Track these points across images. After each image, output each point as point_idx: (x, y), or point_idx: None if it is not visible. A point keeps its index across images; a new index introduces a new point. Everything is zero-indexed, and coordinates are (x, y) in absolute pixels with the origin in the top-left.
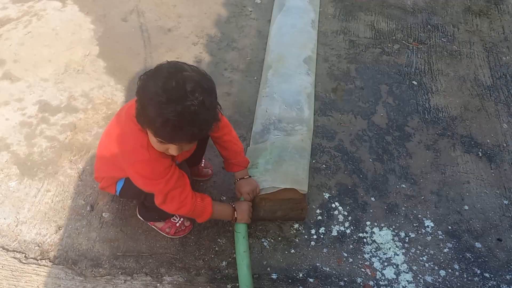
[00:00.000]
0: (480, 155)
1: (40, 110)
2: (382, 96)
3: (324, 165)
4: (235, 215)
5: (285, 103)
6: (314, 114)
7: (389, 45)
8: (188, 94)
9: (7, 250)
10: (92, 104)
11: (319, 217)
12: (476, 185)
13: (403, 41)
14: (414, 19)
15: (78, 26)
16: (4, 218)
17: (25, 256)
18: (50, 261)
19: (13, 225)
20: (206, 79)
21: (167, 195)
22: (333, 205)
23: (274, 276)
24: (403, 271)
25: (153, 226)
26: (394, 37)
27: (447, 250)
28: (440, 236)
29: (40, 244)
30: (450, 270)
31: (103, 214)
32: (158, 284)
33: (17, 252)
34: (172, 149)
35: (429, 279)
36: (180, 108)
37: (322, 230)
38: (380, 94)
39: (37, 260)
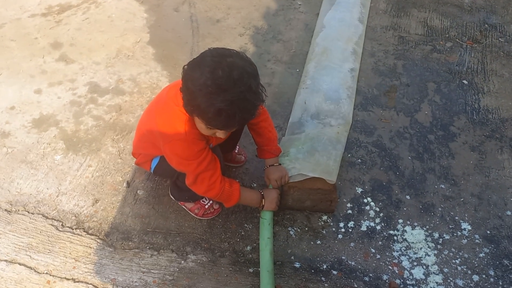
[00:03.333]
0: None
1: (89, 91)
2: (429, 94)
3: (359, 160)
4: (263, 202)
5: (325, 95)
6: (354, 109)
7: (441, 42)
8: (236, 82)
9: (46, 217)
10: (138, 87)
11: (349, 211)
12: None
13: (457, 40)
14: (471, 18)
15: (132, 15)
16: (47, 188)
17: (62, 225)
18: (84, 231)
19: (54, 195)
20: (249, 63)
21: (198, 176)
22: (365, 200)
23: (297, 264)
24: (433, 272)
25: (183, 206)
26: (447, 35)
27: (483, 255)
28: (476, 240)
29: (77, 215)
30: (484, 276)
31: (138, 192)
32: (182, 261)
33: (55, 220)
34: (220, 133)
35: (460, 282)
36: (230, 97)
37: (351, 224)
38: (426, 92)
39: (72, 229)
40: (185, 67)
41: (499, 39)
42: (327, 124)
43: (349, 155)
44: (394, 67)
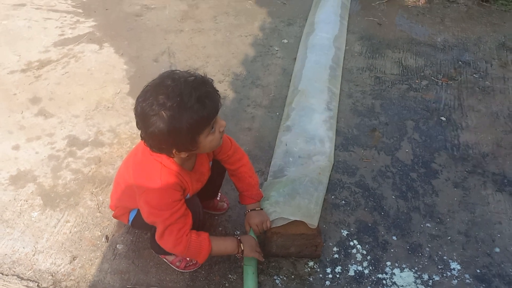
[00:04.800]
0: None
1: (68, 144)
2: (408, 132)
3: (343, 201)
4: (241, 247)
5: (305, 137)
6: (336, 150)
7: (417, 81)
8: (183, 81)
9: (22, 278)
10: (118, 138)
11: (336, 255)
12: (509, 226)
13: (432, 77)
14: (444, 56)
15: (111, 67)
16: (23, 247)
17: (38, 285)
18: None
19: (30, 254)
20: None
21: (167, 228)
22: (351, 243)
23: None
24: None
25: (164, 259)
26: (422, 74)
27: None
28: (467, 280)
29: (53, 274)
30: None
31: (117, 246)
32: None
33: (30, 281)
34: (215, 137)
35: None
36: (194, 94)
37: (338, 269)
38: (405, 130)
39: None
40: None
41: (473, 75)
42: (308, 164)
43: (332, 196)
44: (372, 107)
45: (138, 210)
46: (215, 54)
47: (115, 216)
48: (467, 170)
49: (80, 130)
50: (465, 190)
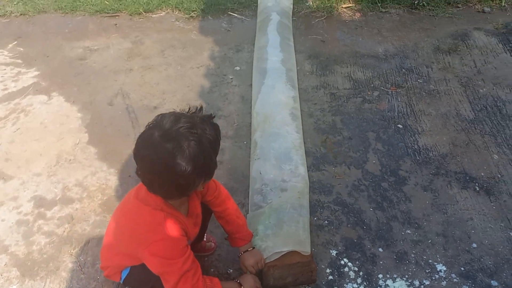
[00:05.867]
0: (478, 189)
1: (35, 206)
2: (371, 143)
3: (326, 221)
4: None
5: (278, 162)
6: (308, 171)
7: (369, 93)
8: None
9: None
10: (87, 192)
11: (330, 277)
12: (480, 220)
13: (382, 87)
14: (388, 65)
15: (65, 117)
16: None
17: None
18: None
19: None
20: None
21: (182, 276)
22: (342, 262)
23: None
24: None
25: None
26: (372, 85)
27: None
28: (454, 279)
29: None
30: None
31: None
32: None
33: None
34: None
35: None
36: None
37: None
38: (368, 142)
39: None
40: (139, 172)
41: (418, 80)
42: (286, 188)
43: (315, 218)
44: (333, 123)
45: (132, 267)
46: (170, 89)
47: (106, 276)
48: (431, 172)
49: (45, 188)
50: (434, 192)
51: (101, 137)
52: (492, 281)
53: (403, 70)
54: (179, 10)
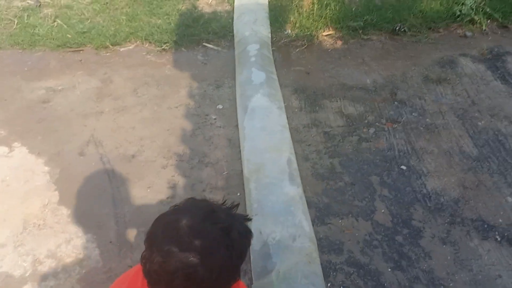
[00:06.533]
0: (499, 239)
1: (1, 285)
2: (376, 189)
3: (342, 287)
4: None
5: (278, 217)
6: (313, 225)
7: (365, 130)
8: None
9: None
10: (62, 264)
11: None
12: (509, 277)
13: (377, 123)
14: (379, 98)
15: (30, 172)
16: None
17: None
18: None
19: None
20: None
21: None
22: None
23: None
24: None
25: None
26: (366, 121)
27: None
28: None
29: None
30: None
31: None
32: None
33: None
34: None
35: None
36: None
37: None
38: (373, 188)
39: None
40: (147, 262)
41: (413, 114)
42: (292, 249)
43: (329, 284)
44: (332, 167)
45: None
46: (148, 134)
47: None
48: (446, 221)
49: (12, 263)
50: (453, 245)
51: (73, 195)
52: None
53: (396, 103)
54: (150, 42)
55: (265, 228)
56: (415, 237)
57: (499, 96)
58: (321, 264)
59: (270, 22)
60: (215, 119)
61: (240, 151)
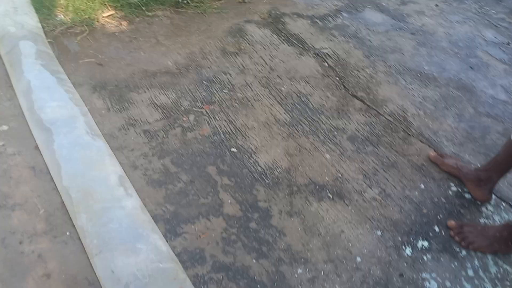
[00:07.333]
0: (331, 196)
1: None
2: (216, 180)
3: None
4: None
5: (128, 247)
6: (167, 240)
7: (185, 118)
8: None
9: None
10: None
11: None
12: (349, 230)
13: (194, 109)
14: (187, 80)
15: None
16: None
17: None
18: None
19: None
20: None
21: None
22: None
23: None
24: None
25: None
26: (182, 108)
27: None
28: None
29: None
30: None
31: None
32: None
33: None
34: None
35: None
36: None
37: None
38: (213, 180)
39: None
40: None
41: (223, 91)
42: (157, 279)
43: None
44: (165, 168)
45: None
46: None
47: None
48: (286, 193)
49: None
50: (299, 215)
51: None
52: None
53: (204, 82)
54: None
55: (116, 265)
56: (266, 218)
57: (290, 59)
58: (190, 280)
59: (35, 9)
60: (3, 145)
61: (52, 179)
